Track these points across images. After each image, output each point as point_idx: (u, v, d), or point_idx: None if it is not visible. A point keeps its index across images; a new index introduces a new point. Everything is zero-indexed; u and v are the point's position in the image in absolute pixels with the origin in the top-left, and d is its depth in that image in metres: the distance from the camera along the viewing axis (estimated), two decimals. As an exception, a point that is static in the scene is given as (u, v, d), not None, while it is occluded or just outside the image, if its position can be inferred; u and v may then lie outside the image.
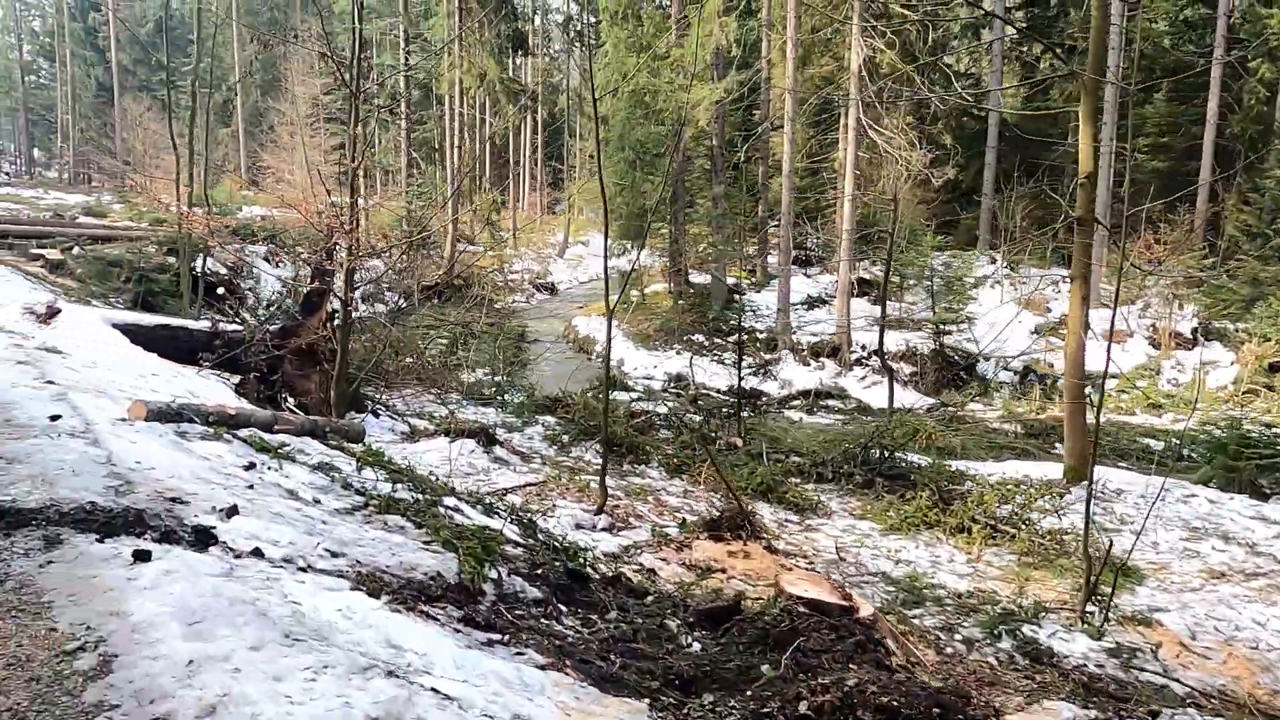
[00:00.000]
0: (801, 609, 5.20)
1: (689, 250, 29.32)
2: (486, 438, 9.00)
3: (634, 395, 22.22)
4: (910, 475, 9.84)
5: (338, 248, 9.27)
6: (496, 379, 14.02)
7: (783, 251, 25.07)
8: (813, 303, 27.81)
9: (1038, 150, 29.43)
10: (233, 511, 4.16)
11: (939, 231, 27.78)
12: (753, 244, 33.59)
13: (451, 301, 31.62)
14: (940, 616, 6.62)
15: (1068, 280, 27.89)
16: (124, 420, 5.45)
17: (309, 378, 9.47)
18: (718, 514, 7.25)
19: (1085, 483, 9.91)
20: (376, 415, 10.07)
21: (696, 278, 31.25)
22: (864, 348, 25.01)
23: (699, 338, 27.28)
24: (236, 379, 9.43)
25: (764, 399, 23.02)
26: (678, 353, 26.93)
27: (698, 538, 7.01)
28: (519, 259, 38.89)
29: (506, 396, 13.22)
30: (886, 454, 10.19)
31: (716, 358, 25.81)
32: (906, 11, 22.38)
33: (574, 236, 42.87)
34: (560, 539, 5.73)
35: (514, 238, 38.12)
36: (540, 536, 5.68)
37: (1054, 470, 11.34)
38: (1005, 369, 23.38)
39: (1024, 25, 25.26)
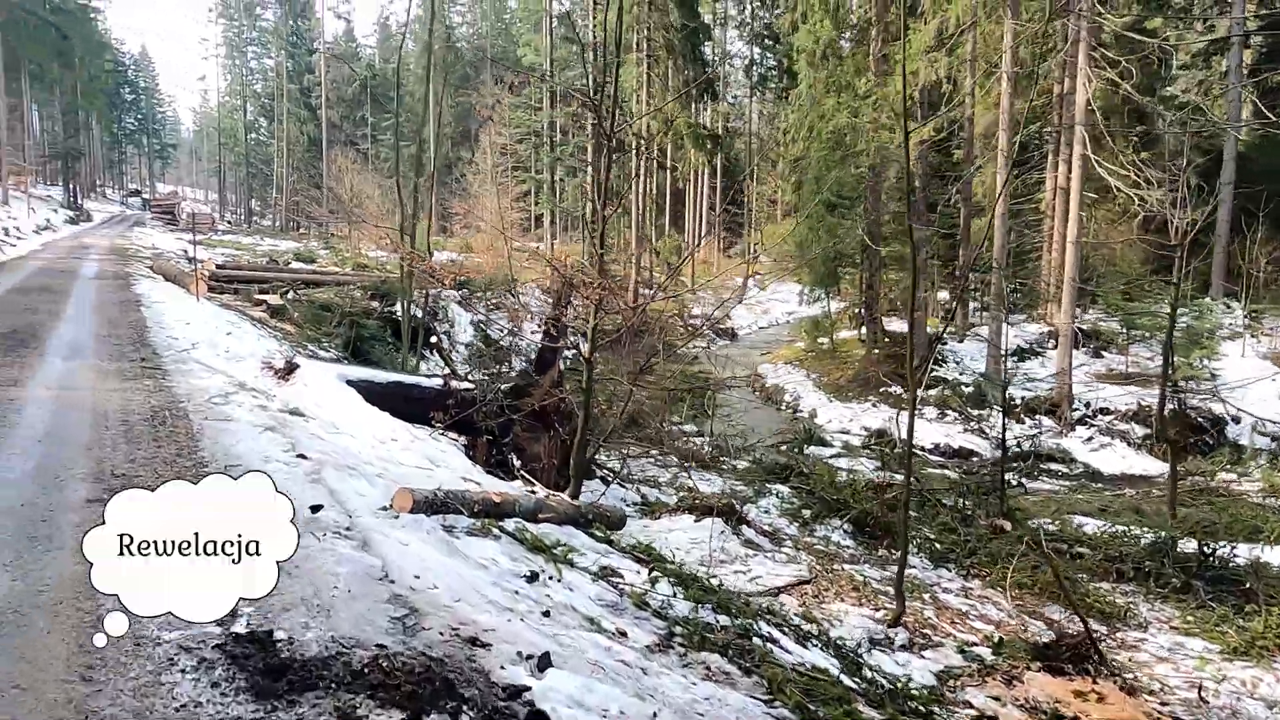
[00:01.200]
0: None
1: (884, 297, 27.59)
2: (734, 516, 7.90)
3: (833, 450, 20.69)
4: (1242, 580, 7.98)
5: (573, 301, 8.53)
6: (712, 438, 12.96)
7: (994, 298, 23.03)
8: (1022, 354, 25.42)
9: (1282, 186, 26.05)
10: (544, 663, 3.19)
11: (1162, 276, 24.92)
12: (944, 288, 31.41)
13: (631, 349, 31.02)
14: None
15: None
16: (387, 510, 4.67)
17: (539, 440, 8.71)
18: (1052, 639, 5.81)
19: None
20: (607, 483, 9.19)
21: (889, 325, 29.40)
22: (1087, 405, 22.53)
23: (897, 390, 25.46)
24: (465, 439, 8.79)
25: (975, 459, 21.05)
26: (873, 404, 25.20)
27: (1027, 667, 5.59)
28: (697, 304, 38.17)
29: (728, 459, 12.14)
30: (1208, 550, 8.35)
31: (918, 412, 23.91)
32: (1144, 38, 20.14)
33: (752, 281, 41.77)
34: (899, 681, 4.50)
35: (692, 281, 37.41)
36: (871, 675, 4.47)
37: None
38: (1262, 434, 20.36)
39: None
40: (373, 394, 8.20)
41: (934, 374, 25.60)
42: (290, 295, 22.97)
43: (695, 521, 7.74)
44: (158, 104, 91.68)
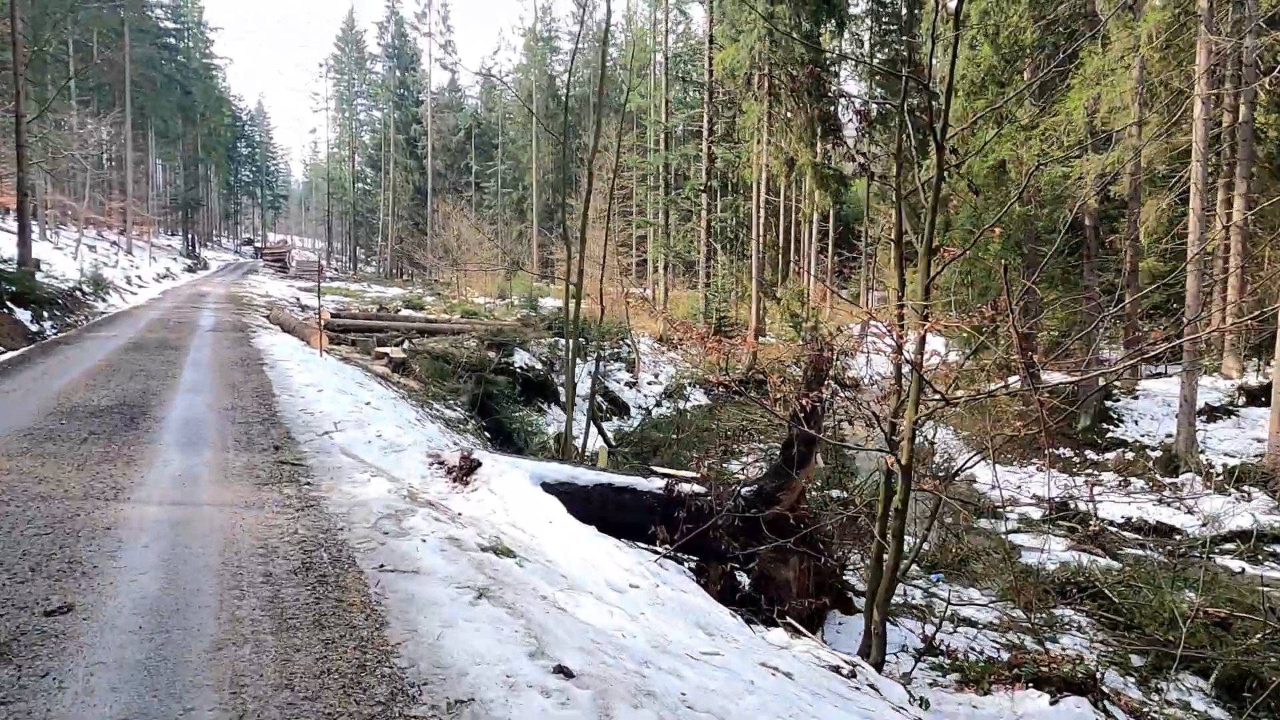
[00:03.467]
0: None
1: (1045, 345, 24.47)
2: (1096, 692, 5.31)
3: (1009, 525, 17.67)
4: None
5: (836, 376, 6.17)
6: (936, 529, 10.26)
7: (1188, 351, 19.81)
8: (1212, 412, 21.95)
9: None
10: None
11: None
12: (1105, 336, 28.01)
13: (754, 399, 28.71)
14: None
15: None
16: None
17: (787, 562, 6.29)
18: None
19: None
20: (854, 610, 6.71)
21: (1044, 377, 26.17)
22: (1311, 474, 19.01)
23: (1064, 451, 22.27)
24: (693, 560, 6.41)
25: (1180, 537, 17.79)
26: (1039, 469, 22.03)
27: None
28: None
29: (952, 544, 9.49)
30: None
31: (1092, 478, 20.71)
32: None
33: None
34: None
35: (810, 327, 34.71)
36: None
37: None
38: None
39: None
40: (575, 500, 5.92)
41: (1109, 435, 22.34)
42: (405, 345, 21.31)
43: (1051, 703, 5.15)
44: (271, 157, 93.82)
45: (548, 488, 5.99)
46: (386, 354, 18.13)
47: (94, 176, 42.28)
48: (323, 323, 20.85)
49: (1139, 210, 23.58)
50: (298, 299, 31.61)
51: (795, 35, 29.04)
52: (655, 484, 6.31)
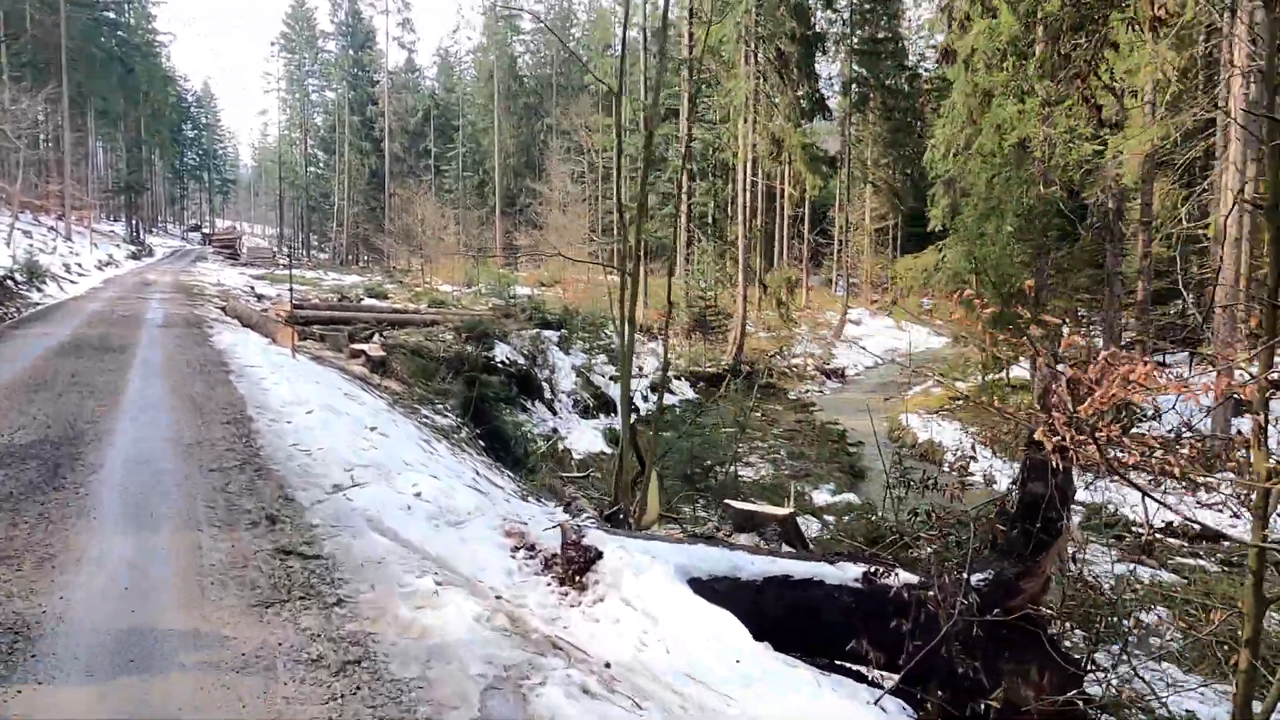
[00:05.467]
0: None
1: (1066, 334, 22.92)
2: None
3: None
4: None
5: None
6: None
7: (1219, 339, 18.28)
8: (1237, 405, 20.55)
9: None
10: None
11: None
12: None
13: (739, 391, 26.86)
14: None
15: None
16: None
17: (1026, 676, 4.27)
18: None
19: None
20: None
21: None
22: (1352, 470, 17.63)
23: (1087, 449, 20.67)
24: (889, 675, 4.32)
25: (1226, 543, 16.30)
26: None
27: None
28: (797, 341, 33.57)
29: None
30: None
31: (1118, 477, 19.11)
32: None
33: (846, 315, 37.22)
34: None
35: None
36: None
37: None
38: None
39: None
40: (741, 604, 3.80)
41: (1133, 430, 20.82)
42: (377, 338, 18.81)
43: None
44: (218, 140, 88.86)
45: (699, 586, 3.84)
46: (364, 352, 15.61)
47: (29, 157, 38.41)
48: (290, 317, 18.25)
49: (1151, 193, 22.08)
50: (252, 288, 28.73)
51: (785, 8, 26.97)
52: (849, 573, 4.19)
